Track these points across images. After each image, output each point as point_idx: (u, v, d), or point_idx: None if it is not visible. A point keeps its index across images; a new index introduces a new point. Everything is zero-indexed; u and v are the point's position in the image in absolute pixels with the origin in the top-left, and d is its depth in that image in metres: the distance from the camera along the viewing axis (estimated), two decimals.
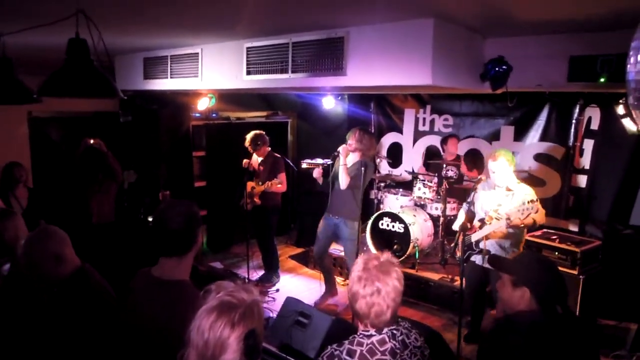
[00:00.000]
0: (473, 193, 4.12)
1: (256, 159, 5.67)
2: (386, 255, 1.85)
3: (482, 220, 3.98)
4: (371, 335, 1.77)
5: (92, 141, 5.10)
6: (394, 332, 1.78)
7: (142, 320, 1.87)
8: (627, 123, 4.83)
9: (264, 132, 5.61)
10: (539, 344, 1.93)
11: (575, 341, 1.96)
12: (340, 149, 4.65)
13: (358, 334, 1.81)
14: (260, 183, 5.46)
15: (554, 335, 1.95)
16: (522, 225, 3.75)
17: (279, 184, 5.33)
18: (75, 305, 2.17)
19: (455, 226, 4.22)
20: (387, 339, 1.75)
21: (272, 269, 5.85)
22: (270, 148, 5.65)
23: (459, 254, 4.23)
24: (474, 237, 4.02)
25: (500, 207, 3.82)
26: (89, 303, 2.19)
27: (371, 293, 1.75)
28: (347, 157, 4.69)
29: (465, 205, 4.25)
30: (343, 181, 4.59)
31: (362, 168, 4.46)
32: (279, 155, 5.67)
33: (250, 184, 5.61)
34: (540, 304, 2.01)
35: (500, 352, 2.01)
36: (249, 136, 5.54)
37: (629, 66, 1.21)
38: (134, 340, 1.91)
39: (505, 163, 3.81)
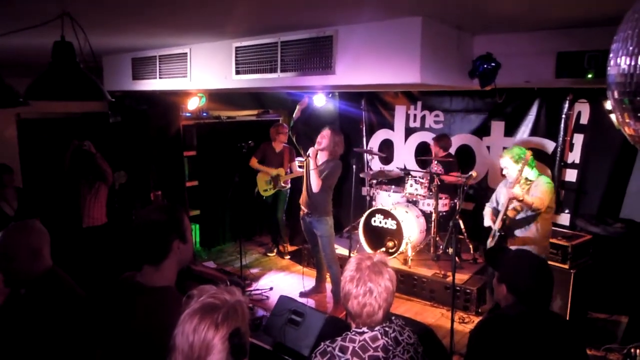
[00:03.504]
0: (494, 195, 4.33)
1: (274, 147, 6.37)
2: (379, 256, 1.87)
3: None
4: (363, 333, 1.78)
5: (80, 142, 5.06)
6: (386, 329, 1.80)
7: (124, 326, 1.83)
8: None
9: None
10: (519, 340, 1.96)
11: (555, 339, 1.98)
12: (310, 151, 4.79)
13: (351, 331, 1.82)
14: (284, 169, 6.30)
15: (534, 332, 1.97)
16: (523, 202, 3.85)
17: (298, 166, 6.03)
18: (43, 307, 2.11)
19: (486, 222, 4.31)
20: (379, 336, 1.77)
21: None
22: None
23: (490, 243, 4.27)
24: (496, 226, 4.14)
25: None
26: (58, 305, 2.13)
27: (363, 293, 1.77)
28: (317, 157, 4.85)
29: (487, 206, 4.39)
30: (315, 185, 4.74)
31: (332, 165, 4.73)
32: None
33: (272, 171, 6.23)
34: (519, 302, 2.05)
35: (486, 346, 2.04)
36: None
37: (609, 68, 1.20)
38: (118, 346, 1.87)
39: (510, 161, 3.99)
